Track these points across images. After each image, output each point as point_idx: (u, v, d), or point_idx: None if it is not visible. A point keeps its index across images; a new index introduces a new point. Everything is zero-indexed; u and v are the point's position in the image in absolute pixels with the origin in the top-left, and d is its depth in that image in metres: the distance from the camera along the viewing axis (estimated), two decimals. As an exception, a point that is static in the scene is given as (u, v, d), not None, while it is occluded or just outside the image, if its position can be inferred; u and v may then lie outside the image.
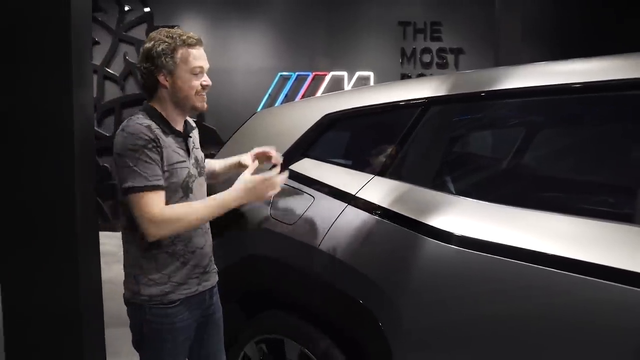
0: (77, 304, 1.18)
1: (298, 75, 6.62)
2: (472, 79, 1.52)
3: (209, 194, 1.53)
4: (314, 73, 6.60)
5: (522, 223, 1.25)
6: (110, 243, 4.74)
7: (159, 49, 1.42)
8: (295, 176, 1.81)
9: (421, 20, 6.41)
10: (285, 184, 1.82)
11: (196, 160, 1.55)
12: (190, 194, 1.48)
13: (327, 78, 6.55)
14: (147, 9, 6.67)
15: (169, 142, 1.44)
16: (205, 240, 1.55)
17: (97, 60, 6.72)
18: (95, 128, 6.61)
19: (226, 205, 1.44)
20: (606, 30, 6.12)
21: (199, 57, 1.46)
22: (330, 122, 1.85)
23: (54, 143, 1.14)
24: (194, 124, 1.66)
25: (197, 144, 1.61)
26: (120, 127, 1.40)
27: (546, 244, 1.17)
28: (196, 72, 1.45)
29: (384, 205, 1.48)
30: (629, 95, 1.27)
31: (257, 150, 1.68)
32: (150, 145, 1.36)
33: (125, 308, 1.47)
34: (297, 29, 6.65)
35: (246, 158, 1.68)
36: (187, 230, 1.44)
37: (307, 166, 1.83)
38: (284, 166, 1.87)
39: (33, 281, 1.17)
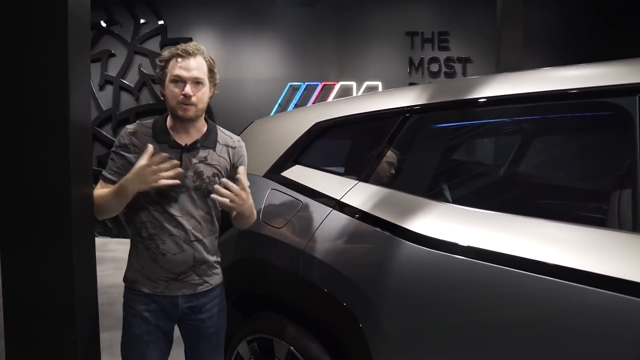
0: (72, 300, 1.27)
1: (307, 85, 6.73)
2: (449, 88, 1.58)
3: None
4: (323, 83, 6.71)
5: (501, 227, 1.29)
6: (122, 249, 4.86)
7: (157, 61, 1.57)
8: (285, 182, 1.89)
9: (429, 30, 6.49)
10: (275, 189, 1.92)
11: (197, 175, 1.56)
12: (173, 203, 1.54)
13: (336, 88, 6.65)
14: (161, 22, 6.88)
15: (155, 149, 1.49)
16: (182, 250, 1.55)
17: (113, 71, 6.95)
18: (111, 137, 6.81)
19: (118, 192, 1.46)
20: (606, 40, 6.11)
21: (181, 67, 1.50)
22: (320, 130, 1.93)
23: (49, 143, 1.23)
24: (227, 141, 1.66)
25: (216, 160, 1.60)
26: None
27: (524, 247, 1.21)
28: (175, 81, 1.50)
29: (365, 209, 1.55)
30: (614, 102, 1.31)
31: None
32: (118, 148, 1.56)
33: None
34: (307, 40, 6.77)
35: None
36: (106, 214, 1.50)
37: (298, 172, 1.90)
38: (277, 172, 1.96)
39: (31, 277, 1.26)
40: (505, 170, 2.12)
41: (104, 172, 1.56)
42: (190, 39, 6.82)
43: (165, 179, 1.43)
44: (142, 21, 6.93)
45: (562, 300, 1.13)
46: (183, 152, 1.55)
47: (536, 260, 1.17)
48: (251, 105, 6.85)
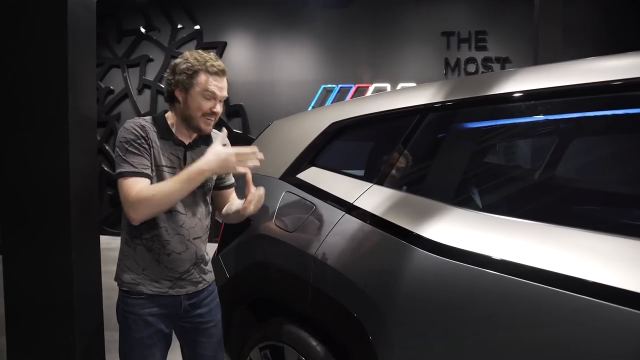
0: (71, 298, 1.25)
1: (341, 87, 6.66)
2: (470, 84, 1.47)
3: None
4: (356, 85, 6.62)
5: (531, 237, 1.15)
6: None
7: (183, 66, 1.52)
8: (300, 184, 1.83)
9: (465, 30, 6.29)
10: (290, 192, 1.85)
11: None
12: (180, 202, 1.53)
13: (370, 90, 6.55)
14: (197, 27, 6.99)
15: (161, 145, 1.53)
16: (186, 248, 1.56)
17: (151, 76, 7.12)
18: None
19: (194, 177, 1.44)
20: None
21: (215, 84, 1.52)
22: (337, 131, 1.85)
23: (49, 138, 1.22)
24: (222, 141, 1.67)
25: None
26: None
27: (559, 261, 1.06)
28: (207, 97, 1.51)
29: (377, 214, 1.46)
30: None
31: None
32: (139, 140, 1.48)
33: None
34: (340, 41, 6.71)
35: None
36: (167, 207, 1.47)
37: (313, 175, 1.83)
38: (293, 174, 1.90)
39: (30, 277, 1.25)
40: (537, 173, 1.98)
41: (136, 168, 1.44)
42: (225, 43, 6.91)
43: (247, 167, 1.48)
44: (179, 26, 7.06)
45: (600, 322, 0.98)
46: (187, 150, 1.58)
47: (573, 277, 1.02)
48: (284, 108, 6.84)
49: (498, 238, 1.19)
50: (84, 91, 1.28)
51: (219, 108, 1.55)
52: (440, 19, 6.38)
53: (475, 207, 1.38)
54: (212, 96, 1.52)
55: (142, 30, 7.15)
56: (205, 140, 1.64)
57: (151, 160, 1.50)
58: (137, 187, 1.43)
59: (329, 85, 6.70)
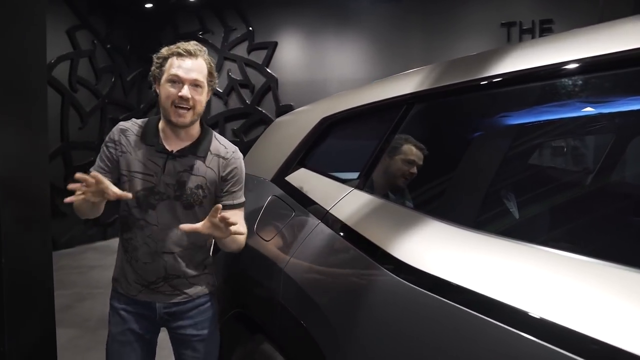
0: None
1: (393, 85, 6.35)
2: (469, 63, 1.19)
3: None
4: (409, 82, 6.28)
5: (525, 264, 0.82)
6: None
7: (155, 57, 1.45)
8: (286, 187, 1.64)
9: (528, 19, 5.71)
10: (276, 196, 1.66)
11: (180, 184, 1.44)
12: (150, 210, 1.46)
13: (423, 87, 6.18)
14: (249, 28, 6.99)
15: (140, 150, 1.45)
16: (153, 260, 1.47)
17: (204, 77, 7.21)
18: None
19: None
20: None
21: (180, 66, 1.38)
22: (328, 127, 1.64)
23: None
24: (220, 151, 1.49)
25: (202, 171, 1.46)
26: None
27: (598, 321, 0.68)
28: (173, 80, 1.39)
29: (349, 224, 1.22)
30: None
31: None
32: (110, 144, 1.47)
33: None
34: (392, 36, 6.41)
35: None
36: (89, 217, 1.43)
37: (301, 177, 1.63)
38: (283, 176, 1.71)
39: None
40: (584, 182, 1.63)
41: (92, 169, 1.42)
42: (276, 43, 6.84)
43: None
44: (233, 28, 7.10)
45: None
46: (168, 159, 1.45)
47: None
48: (334, 108, 6.65)
49: (502, 267, 0.85)
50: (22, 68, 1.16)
51: (186, 91, 1.37)
52: (499, 8, 5.86)
53: (465, 222, 1.08)
54: (177, 79, 1.38)
55: (199, 35, 7.26)
56: (201, 151, 1.46)
57: (115, 164, 1.45)
58: None
59: (381, 83, 6.42)
